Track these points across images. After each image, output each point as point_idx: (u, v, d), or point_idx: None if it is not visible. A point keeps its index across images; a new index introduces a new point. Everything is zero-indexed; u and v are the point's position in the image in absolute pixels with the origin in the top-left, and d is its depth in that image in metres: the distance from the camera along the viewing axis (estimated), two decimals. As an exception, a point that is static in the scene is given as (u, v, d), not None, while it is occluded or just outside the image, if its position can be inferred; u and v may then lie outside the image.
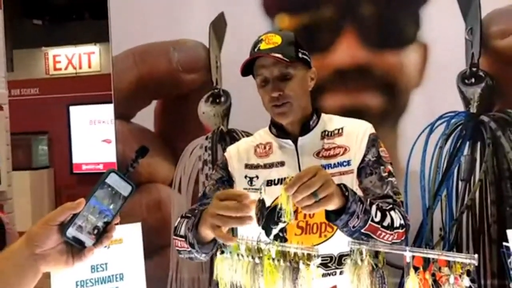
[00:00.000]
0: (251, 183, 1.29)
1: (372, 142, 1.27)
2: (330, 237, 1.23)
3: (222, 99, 2.11)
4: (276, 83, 1.23)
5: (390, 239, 1.12)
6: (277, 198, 1.21)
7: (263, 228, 1.19)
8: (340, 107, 1.90)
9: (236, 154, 1.34)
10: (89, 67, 8.68)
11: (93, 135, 6.54)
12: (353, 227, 1.06)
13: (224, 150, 2.16)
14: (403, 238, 1.16)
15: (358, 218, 1.06)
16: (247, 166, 1.31)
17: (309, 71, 1.30)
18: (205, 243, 1.11)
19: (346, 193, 1.05)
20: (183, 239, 1.16)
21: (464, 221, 1.90)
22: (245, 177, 1.30)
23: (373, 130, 1.30)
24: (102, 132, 6.36)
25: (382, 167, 1.25)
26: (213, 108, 2.12)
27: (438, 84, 1.90)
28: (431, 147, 1.90)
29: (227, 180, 1.33)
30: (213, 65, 2.11)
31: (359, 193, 1.20)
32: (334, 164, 1.25)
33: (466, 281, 0.90)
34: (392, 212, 1.15)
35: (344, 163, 1.25)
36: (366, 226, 1.08)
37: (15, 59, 8.15)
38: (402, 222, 1.16)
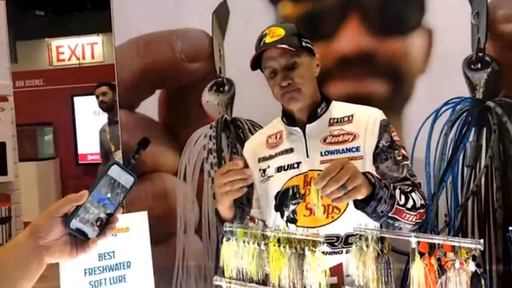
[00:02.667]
0: (264, 173, 1.35)
1: (384, 128, 1.30)
2: (337, 218, 1.26)
3: (226, 87, 2.11)
4: (285, 72, 1.28)
5: (414, 220, 1.17)
6: (288, 181, 1.30)
7: (276, 210, 1.28)
8: (344, 94, 1.89)
9: (251, 151, 1.41)
10: (92, 57, 8.67)
11: (97, 125, 6.54)
12: (381, 212, 1.11)
13: (228, 138, 2.19)
14: (423, 218, 1.21)
15: (386, 203, 1.11)
16: (260, 159, 1.38)
17: (313, 58, 1.34)
18: (225, 219, 1.22)
19: (373, 181, 1.10)
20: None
21: (470, 207, 1.89)
22: (259, 170, 1.36)
23: (383, 116, 1.33)
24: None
25: (396, 151, 1.28)
26: (217, 97, 2.12)
27: (443, 70, 1.88)
28: (436, 134, 1.89)
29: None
30: (217, 53, 2.10)
31: None
32: (343, 149, 1.29)
33: (471, 266, 0.90)
34: (413, 194, 1.20)
35: (353, 149, 1.28)
36: (393, 210, 1.13)
37: (18, 51, 8.15)
38: (423, 202, 1.21)
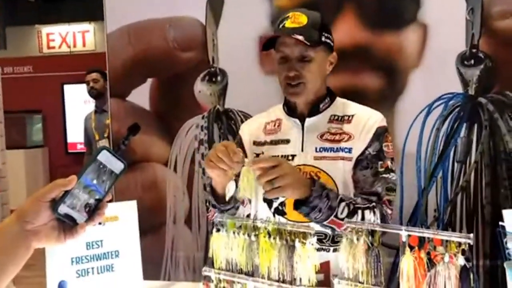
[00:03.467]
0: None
1: (378, 136, 1.28)
2: None
3: (219, 78, 2.08)
4: (295, 63, 1.25)
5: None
6: None
7: (264, 201, 1.27)
8: (338, 87, 1.86)
9: (247, 132, 1.39)
10: (84, 45, 8.56)
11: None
12: (315, 218, 1.17)
13: (220, 129, 2.17)
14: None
15: (320, 212, 1.16)
16: (255, 143, 1.36)
17: (329, 55, 1.31)
18: (219, 196, 1.23)
19: (313, 188, 1.15)
20: (211, 207, 1.27)
21: (459, 202, 1.91)
22: (252, 153, 1.35)
23: (383, 123, 1.30)
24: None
25: (380, 162, 1.26)
26: (209, 87, 2.10)
27: (437, 65, 1.88)
28: (428, 129, 1.90)
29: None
30: (210, 43, 2.08)
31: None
32: (337, 148, 1.28)
33: (461, 260, 0.90)
34: (366, 211, 1.20)
35: (346, 150, 1.27)
36: (328, 220, 1.17)
37: (7, 37, 8.01)
38: (376, 221, 1.19)
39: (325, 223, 1.18)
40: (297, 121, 1.32)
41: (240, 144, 1.37)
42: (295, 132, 1.32)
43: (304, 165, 1.28)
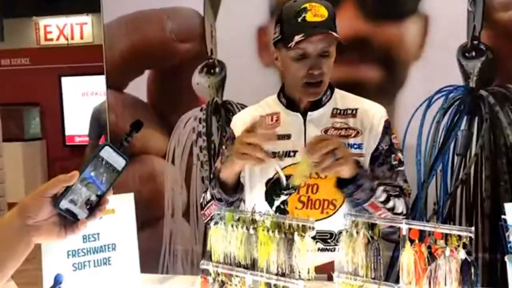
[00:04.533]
0: None
1: (386, 129, 1.27)
2: (332, 215, 1.23)
3: (217, 69, 2.06)
4: (318, 59, 1.18)
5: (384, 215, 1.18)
6: (282, 169, 1.23)
7: (266, 200, 1.23)
8: (338, 79, 1.85)
9: (242, 126, 1.29)
10: (82, 38, 8.48)
11: (85, 107, 6.47)
12: (357, 199, 1.14)
13: (218, 121, 2.15)
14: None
15: (364, 192, 1.13)
16: None
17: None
18: (229, 188, 1.19)
19: (359, 167, 1.14)
20: (211, 202, 1.24)
21: (458, 195, 1.90)
22: None
23: (387, 116, 1.29)
24: (95, 104, 6.28)
25: (393, 155, 1.26)
26: (207, 79, 2.07)
27: (438, 57, 1.86)
28: (429, 121, 1.89)
29: None
30: (208, 34, 2.05)
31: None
32: (345, 145, 1.23)
33: (462, 253, 0.89)
34: (397, 199, 1.20)
35: (355, 146, 1.24)
36: (369, 202, 1.14)
37: (5, 28, 7.94)
38: (404, 211, 1.21)
39: (365, 205, 1.15)
40: (299, 115, 1.27)
41: (233, 140, 1.30)
42: (296, 127, 1.26)
43: None
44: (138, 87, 2.14)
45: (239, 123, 1.32)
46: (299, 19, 1.16)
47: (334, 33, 1.17)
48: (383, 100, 1.41)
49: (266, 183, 1.26)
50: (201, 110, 2.09)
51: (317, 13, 1.16)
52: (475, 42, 1.84)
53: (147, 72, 2.14)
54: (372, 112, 1.27)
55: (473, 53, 1.85)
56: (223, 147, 1.36)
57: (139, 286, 1.22)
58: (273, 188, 1.24)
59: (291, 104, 1.28)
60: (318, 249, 1.23)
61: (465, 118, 1.88)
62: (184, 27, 2.06)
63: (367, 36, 1.90)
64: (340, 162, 1.07)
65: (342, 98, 1.30)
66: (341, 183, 1.15)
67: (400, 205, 1.20)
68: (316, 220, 1.21)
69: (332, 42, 1.19)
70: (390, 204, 1.18)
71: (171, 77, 2.11)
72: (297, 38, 1.15)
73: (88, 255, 1.16)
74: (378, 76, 1.91)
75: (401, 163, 1.27)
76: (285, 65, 1.24)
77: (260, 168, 1.25)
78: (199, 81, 2.08)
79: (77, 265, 1.15)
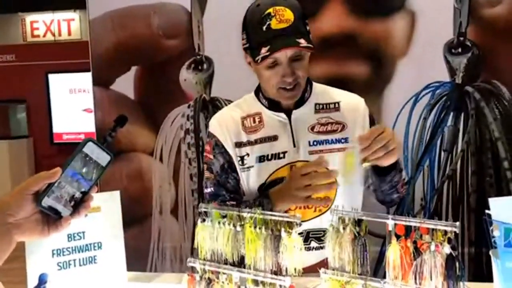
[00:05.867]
0: (242, 162, 1.24)
1: (372, 119, 1.28)
2: (325, 212, 1.23)
3: (205, 66, 2.05)
4: (290, 66, 1.15)
5: (403, 193, 1.29)
6: (273, 173, 1.22)
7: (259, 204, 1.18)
8: (325, 75, 1.87)
9: (224, 132, 1.25)
10: (69, 34, 8.38)
11: (73, 104, 6.40)
12: (396, 181, 1.21)
13: (206, 118, 2.14)
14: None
15: (399, 174, 1.21)
16: (237, 144, 1.25)
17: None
18: None
19: None
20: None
21: (445, 191, 1.92)
22: (236, 156, 1.25)
23: (367, 106, 1.29)
24: (83, 101, 6.22)
25: None
26: (195, 75, 2.06)
27: (425, 54, 1.88)
28: (416, 118, 1.90)
29: (229, 164, 1.26)
30: (195, 30, 2.04)
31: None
32: (332, 140, 1.23)
33: (446, 248, 0.90)
34: (403, 172, 1.29)
35: (342, 140, 1.24)
36: (401, 182, 1.23)
37: (-11, 24, 7.82)
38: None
39: (398, 186, 1.22)
40: (282, 115, 1.23)
41: (221, 148, 1.25)
42: (281, 127, 1.23)
43: (298, 161, 1.22)
44: (125, 84, 2.11)
45: (219, 129, 1.26)
46: (264, 28, 1.11)
47: (302, 40, 1.11)
48: (370, 96, 1.42)
49: (259, 188, 1.24)
50: (188, 107, 2.08)
51: (282, 18, 1.10)
52: (461, 38, 1.86)
53: (134, 69, 2.12)
54: (354, 104, 1.27)
55: (459, 49, 1.86)
56: (211, 156, 1.27)
57: (125, 284, 1.21)
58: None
59: (273, 105, 1.24)
60: (312, 247, 1.23)
61: (451, 114, 1.90)
62: (171, 23, 2.05)
63: (355, 33, 1.90)
64: (392, 152, 1.09)
65: (322, 92, 1.28)
66: (383, 169, 1.17)
67: (405, 175, 1.29)
68: (309, 219, 1.22)
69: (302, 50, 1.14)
70: (405, 177, 1.29)
71: (158, 74, 2.09)
72: (263, 52, 1.11)
73: (73, 254, 1.14)
74: (365, 72, 1.91)
75: None
76: (258, 72, 1.21)
77: (255, 173, 1.23)
78: (187, 77, 2.07)
79: (62, 264, 1.13)
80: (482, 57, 1.86)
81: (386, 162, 1.12)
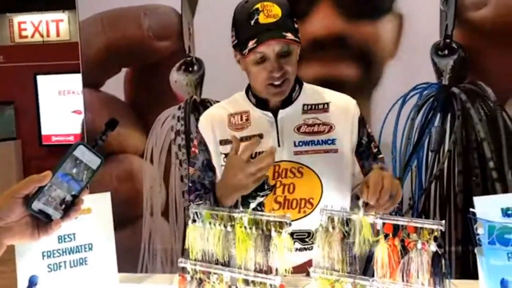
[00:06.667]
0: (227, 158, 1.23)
1: (362, 122, 1.27)
2: (309, 213, 1.23)
3: (195, 67, 2.06)
4: (277, 61, 1.15)
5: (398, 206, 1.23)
6: None
7: (242, 203, 1.17)
8: (314, 76, 1.88)
9: (209, 129, 1.26)
10: (58, 35, 8.31)
11: (62, 106, 6.34)
12: (397, 207, 1.15)
13: (197, 120, 2.13)
14: None
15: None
16: (222, 142, 1.25)
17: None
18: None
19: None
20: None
21: (433, 190, 1.95)
22: (220, 153, 1.25)
23: (358, 107, 1.28)
24: (72, 103, 6.17)
25: (372, 144, 1.28)
26: (185, 76, 2.07)
27: (412, 55, 1.91)
28: (403, 119, 1.93)
29: (208, 162, 1.27)
30: (186, 31, 2.04)
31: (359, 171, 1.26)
32: (318, 141, 1.22)
33: (433, 246, 0.91)
34: None
35: (329, 141, 1.23)
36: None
37: (-24, 25, 7.72)
38: None
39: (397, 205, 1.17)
40: (269, 113, 1.23)
41: (203, 146, 1.26)
42: (267, 126, 1.23)
43: (282, 161, 1.22)
44: (115, 85, 2.11)
45: (205, 126, 1.28)
46: (252, 22, 1.13)
47: (288, 34, 1.12)
48: (359, 97, 1.43)
49: None
50: (179, 108, 2.08)
51: (269, 13, 1.12)
52: (448, 40, 1.89)
53: (124, 70, 2.11)
54: (344, 105, 1.26)
55: (446, 51, 1.89)
56: (196, 151, 1.29)
57: (116, 286, 1.21)
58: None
59: (260, 103, 1.24)
60: (296, 249, 1.23)
61: (438, 115, 1.93)
62: (162, 25, 2.05)
63: (343, 35, 1.92)
64: (396, 199, 1.08)
65: (312, 93, 1.28)
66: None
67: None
68: (293, 220, 1.21)
69: (288, 43, 1.15)
70: None
71: (149, 75, 2.09)
72: (250, 44, 1.12)
73: (64, 255, 1.14)
74: (354, 73, 1.94)
75: (379, 150, 1.29)
76: (247, 68, 1.21)
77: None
78: (177, 79, 2.07)
79: (52, 266, 1.13)
80: (468, 59, 1.89)
81: (393, 207, 1.10)
